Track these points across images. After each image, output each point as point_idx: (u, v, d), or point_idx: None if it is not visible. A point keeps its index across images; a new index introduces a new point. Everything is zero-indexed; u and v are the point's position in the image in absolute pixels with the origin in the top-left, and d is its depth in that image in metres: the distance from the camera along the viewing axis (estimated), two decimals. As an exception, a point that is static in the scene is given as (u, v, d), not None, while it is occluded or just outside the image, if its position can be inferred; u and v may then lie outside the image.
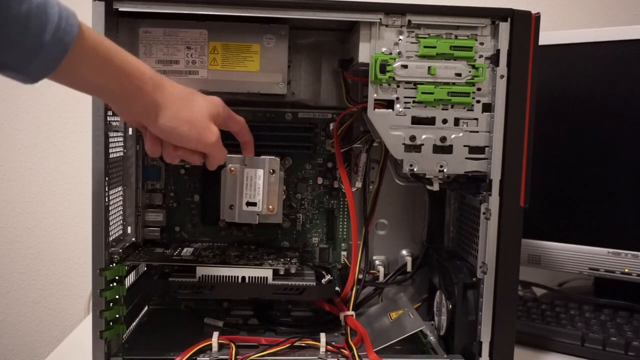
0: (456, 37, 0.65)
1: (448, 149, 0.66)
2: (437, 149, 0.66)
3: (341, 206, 0.86)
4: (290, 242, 0.86)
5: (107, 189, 0.66)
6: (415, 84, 0.65)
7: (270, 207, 0.71)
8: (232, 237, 0.85)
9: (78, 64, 0.49)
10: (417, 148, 0.66)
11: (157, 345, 0.73)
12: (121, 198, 0.74)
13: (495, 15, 0.65)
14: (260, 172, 0.71)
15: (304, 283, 0.72)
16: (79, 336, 0.83)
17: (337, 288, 0.81)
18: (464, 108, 0.66)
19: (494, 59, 0.65)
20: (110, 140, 0.67)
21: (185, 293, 0.72)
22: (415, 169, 0.66)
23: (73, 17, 0.48)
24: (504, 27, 0.64)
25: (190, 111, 0.60)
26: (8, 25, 0.43)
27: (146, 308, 0.85)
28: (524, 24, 0.64)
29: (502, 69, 0.64)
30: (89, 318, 0.72)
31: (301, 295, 0.72)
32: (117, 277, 0.68)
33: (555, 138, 0.93)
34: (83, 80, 0.52)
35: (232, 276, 0.71)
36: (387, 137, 0.66)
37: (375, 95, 0.65)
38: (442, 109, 0.66)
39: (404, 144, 0.66)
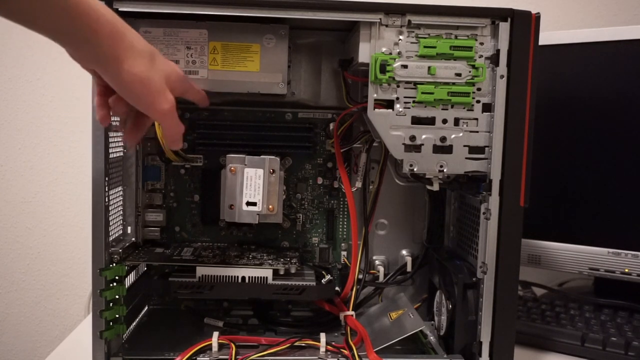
0: (456, 37, 0.65)
1: (448, 149, 0.66)
2: (437, 149, 0.66)
3: (341, 206, 0.85)
4: (290, 242, 0.85)
5: (107, 189, 0.66)
6: (415, 84, 0.65)
7: (270, 207, 0.71)
8: (232, 237, 0.85)
9: None
10: (417, 148, 0.66)
11: (157, 345, 0.73)
12: (121, 198, 0.74)
13: (495, 15, 0.64)
14: (260, 172, 0.71)
15: (304, 283, 0.72)
16: (79, 336, 0.83)
17: (337, 288, 0.81)
18: (464, 108, 0.66)
19: (494, 59, 0.65)
20: (110, 140, 0.67)
21: (185, 293, 0.72)
22: (415, 169, 0.66)
23: None
24: (504, 27, 0.64)
25: (147, 69, 0.54)
26: None
27: (146, 308, 0.85)
28: (524, 24, 0.64)
29: (502, 69, 0.64)
30: (89, 318, 0.72)
31: (301, 295, 0.72)
32: (117, 277, 0.68)
33: (556, 138, 0.93)
34: (26, 15, 0.45)
35: (232, 276, 0.71)
36: (387, 137, 0.66)
37: (375, 95, 0.65)
38: (442, 109, 0.66)
39: (404, 144, 0.66)
